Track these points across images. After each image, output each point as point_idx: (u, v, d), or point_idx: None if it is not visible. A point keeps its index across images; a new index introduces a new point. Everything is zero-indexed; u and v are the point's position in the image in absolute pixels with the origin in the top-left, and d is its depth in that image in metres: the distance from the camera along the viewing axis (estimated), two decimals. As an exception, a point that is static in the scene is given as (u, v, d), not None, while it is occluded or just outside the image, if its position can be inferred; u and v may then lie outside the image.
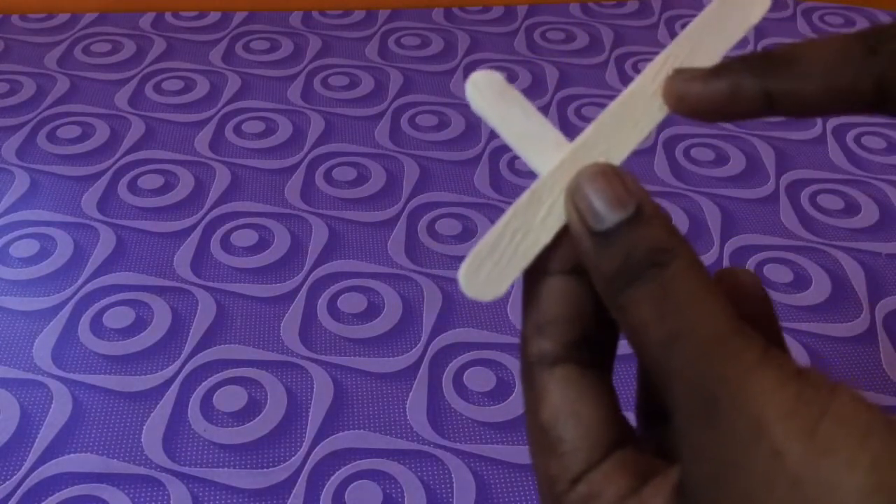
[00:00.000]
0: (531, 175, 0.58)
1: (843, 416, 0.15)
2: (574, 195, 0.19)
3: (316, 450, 0.41)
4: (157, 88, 0.65)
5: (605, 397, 0.19)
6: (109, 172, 0.57)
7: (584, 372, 0.19)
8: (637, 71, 0.69)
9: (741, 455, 0.15)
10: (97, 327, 0.46)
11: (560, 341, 0.19)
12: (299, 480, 0.39)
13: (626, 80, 0.68)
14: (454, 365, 0.45)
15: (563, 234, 0.20)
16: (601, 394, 0.19)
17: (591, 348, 0.20)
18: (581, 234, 0.18)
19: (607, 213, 0.18)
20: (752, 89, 0.20)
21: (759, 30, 0.74)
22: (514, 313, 0.48)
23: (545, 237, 0.20)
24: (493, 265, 0.20)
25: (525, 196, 0.20)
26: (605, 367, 0.20)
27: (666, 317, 0.17)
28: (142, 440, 0.41)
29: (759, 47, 0.72)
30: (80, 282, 0.49)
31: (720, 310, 0.17)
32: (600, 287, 0.18)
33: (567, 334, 0.19)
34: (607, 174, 0.18)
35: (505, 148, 0.60)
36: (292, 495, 0.39)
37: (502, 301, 0.48)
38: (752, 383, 0.15)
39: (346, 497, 0.39)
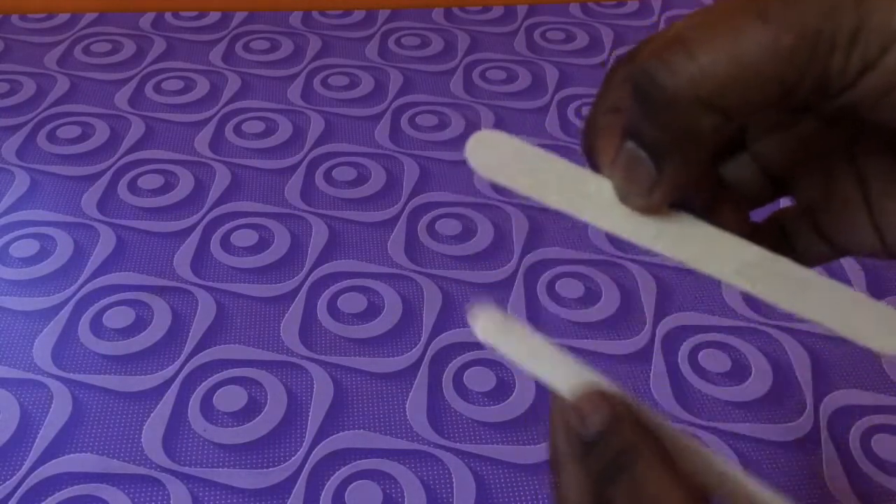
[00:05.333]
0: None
1: None
2: (564, 415, 0.21)
3: (316, 450, 0.41)
4: (157, 88, 0.65)
5: None
6: (109, 172, 0.57)
7: None
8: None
9: None
10: (97, 327, 0.46)
11: None
12: (299, 480, 0.39)
13: (626, 80, 0.68)
14: (454, 365, 0.45)
15: None
16: None
17: None
18: (573, 443, 0.21)
19: (590, 424, 0.20)
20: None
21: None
22: (514, 314, 0.48)
23: (560, 201, 0.20)
24: (509, 152, 0.20)
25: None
26: None
27: None
28: (142, 440, 0.41)
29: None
30: (80, 282, 0.49)
31: (685, 498, 0.19)
32: (591, 488, 0.21)
33: None
34: (588, 393, 0.21)
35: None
36: (292, 495, 0.39)
37: (502, 302, 0.48)
38: None
39: (346, 497, 0.39)
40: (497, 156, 0.20)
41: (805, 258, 0.24)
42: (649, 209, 0.20)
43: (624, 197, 0.20)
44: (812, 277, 0.19)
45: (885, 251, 0.22)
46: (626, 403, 0.21)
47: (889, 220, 0.21)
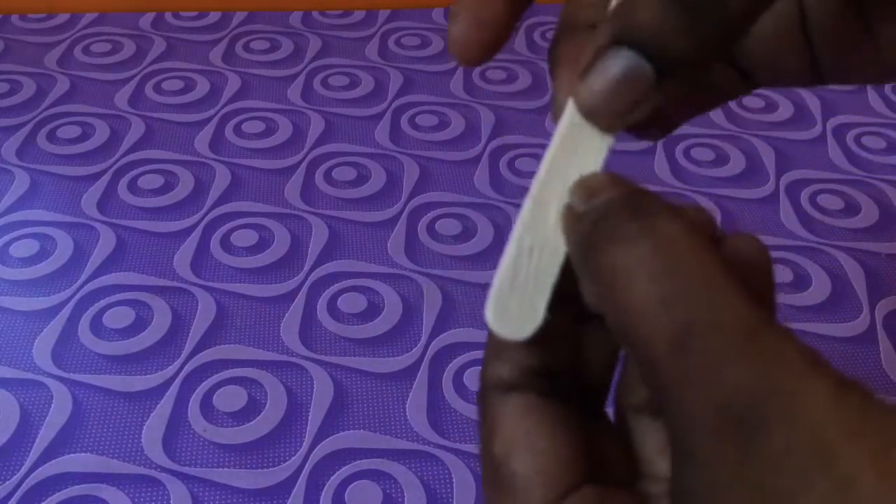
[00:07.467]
0: (531, 175, 0.58)
1: None
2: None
3: (316, 450, 0.41)
4: (157, 88, 0.65)
5: (568, 431, 0.17)
6: (109, 172, 0.57)
7: (544, 401, 0.17)
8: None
9: (797, 484, 0.12)
10: (97, 327, 0.46)
11: (517, 367, 0.18)
12: (299, 480, 0.39)
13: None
14: (454, 365, 0.45)
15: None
16: (563, 427, 0.17)
17: (555, 376, 0.18)
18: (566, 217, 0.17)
19: (593, 193, 0.16)
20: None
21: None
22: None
23: (564, 245, 0.17)
24: (520, 296, 0.17)
25: (527, 205, 0.17)
26: (576, 397, 0.18)
27: (672, 300, 0.13)
28: (142, 440, 0.41)
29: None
30: (80, 282, 0.49)
31: (740, 289, 0.13)
32: (575, 251, 0.16)
33: (525, 359, 0.18)
34: (602, 175, 0.17)
35: (505, 148, 0.60)
36: (292, 495, 0.39)
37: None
38: (809, 394, 0.12)
39: (346, 497, 0.39)
40: (512, 316, 0.17)
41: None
42: (621, 127, 0.17)
43: (593, 113, 0.17)
44: None
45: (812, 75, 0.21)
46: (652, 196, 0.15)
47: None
